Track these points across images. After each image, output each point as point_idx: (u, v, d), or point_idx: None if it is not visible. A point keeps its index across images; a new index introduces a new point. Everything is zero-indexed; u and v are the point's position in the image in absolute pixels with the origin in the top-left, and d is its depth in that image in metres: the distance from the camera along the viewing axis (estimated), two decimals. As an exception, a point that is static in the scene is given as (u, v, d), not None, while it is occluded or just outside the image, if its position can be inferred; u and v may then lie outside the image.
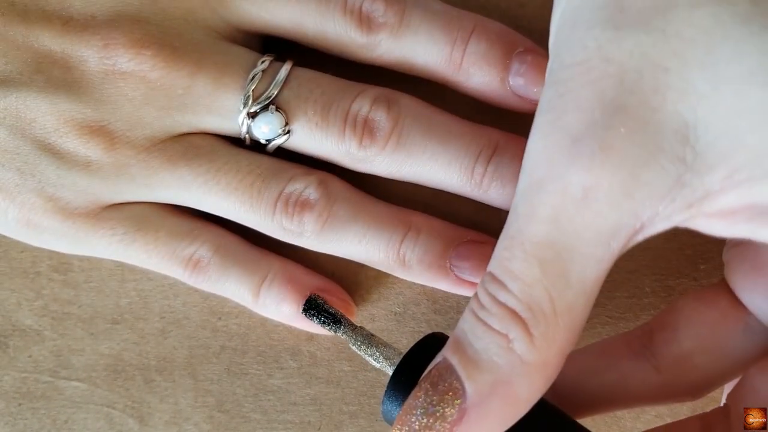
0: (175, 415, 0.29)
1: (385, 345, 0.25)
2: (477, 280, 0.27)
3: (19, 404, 0.29)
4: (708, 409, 0.24)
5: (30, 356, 0.30)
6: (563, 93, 0.20)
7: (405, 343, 0.29)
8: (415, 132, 0.26)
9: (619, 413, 0.28)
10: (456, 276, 0.27)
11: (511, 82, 0.26)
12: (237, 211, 0.27)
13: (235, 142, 0.28)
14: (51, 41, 0.26)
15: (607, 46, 0.19)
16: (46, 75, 0.26)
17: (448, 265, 0.27)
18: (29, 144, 0.26)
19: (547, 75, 0.21)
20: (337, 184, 0.27)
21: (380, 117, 0.26)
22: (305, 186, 0.27)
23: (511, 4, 0.29)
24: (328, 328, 0.26)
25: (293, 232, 0.27)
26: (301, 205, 0.27)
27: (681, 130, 0.18)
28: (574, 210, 0.19)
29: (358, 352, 0.25)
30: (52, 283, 0.30)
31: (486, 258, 0.27)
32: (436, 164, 0.26)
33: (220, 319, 0.30)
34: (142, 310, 0.30)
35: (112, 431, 0.29)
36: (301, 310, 0.27)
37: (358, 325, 0.26)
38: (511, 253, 0.20)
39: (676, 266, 0.29)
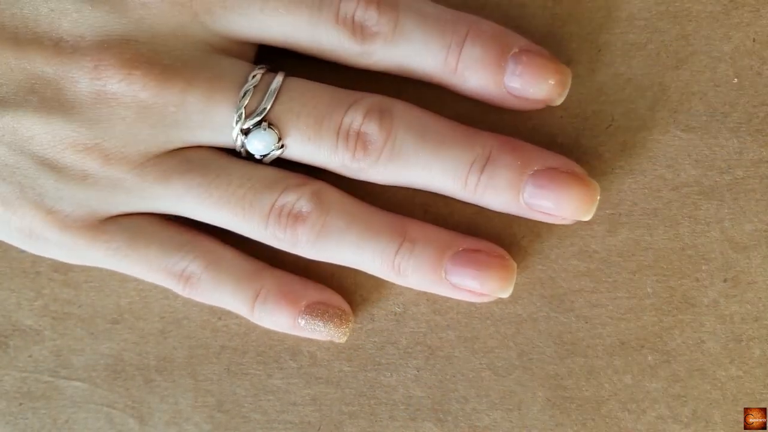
0: (175, 415, 0.29)
1: None
2: (472, 287, 0.27)
3: (20, 404, 0.29)
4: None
5: (30, 356, 0.30)
6: None
7: (405, 343, 0.29)
8: (407, 143, 0.26)
9: (620, 414, 0.28)
10: (451, 284, 0.27)
11: (507, 84, 0.26)
12: (231, 222, 0.27)
13: (231, 151, 0.28)
14: (43, 63, 0.26)
15: None
16: (39, 96, 0.26)
17: (443, 274, 0.27)
18: (28, 159, 0.27)
19: None
20: (330, 194, 0.27)
21: (372, 129, 0.26)
22: (297, 197, 0.27)
23: (511, 4, 0.29)
24: None
25: (287, 242, 0.27)
26: (294, 218, 0.27)
27: None
28: None
29: None
30: (52, 283, 0.30)
31: (480, 265, 0.27)
32: (429, 174, 0.26)
33: (220, 318, 0.30)
34: (142, 310, 0.30)
35: (112, 431, 0.29)
36: (297, 321, 0.27)
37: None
38: None
39: (678, 267, 0.28)
